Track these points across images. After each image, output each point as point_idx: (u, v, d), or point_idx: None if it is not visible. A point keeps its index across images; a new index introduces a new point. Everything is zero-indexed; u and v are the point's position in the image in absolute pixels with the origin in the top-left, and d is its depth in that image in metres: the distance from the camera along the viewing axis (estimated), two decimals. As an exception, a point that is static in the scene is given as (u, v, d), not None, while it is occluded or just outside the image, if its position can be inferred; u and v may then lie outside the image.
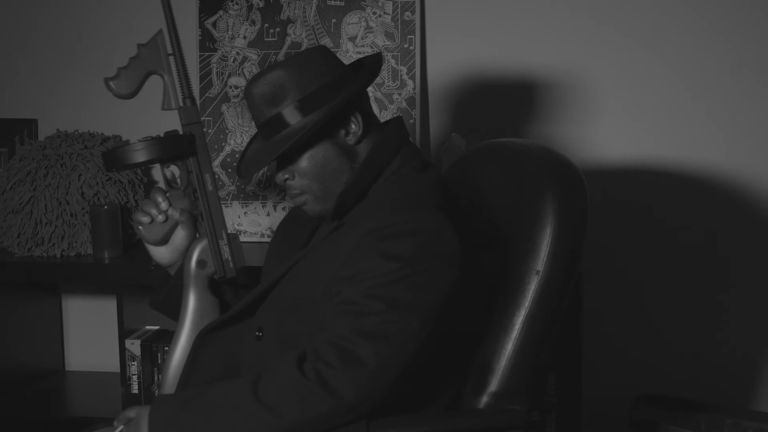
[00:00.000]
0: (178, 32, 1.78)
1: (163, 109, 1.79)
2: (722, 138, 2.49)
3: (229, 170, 2.60)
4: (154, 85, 2.71)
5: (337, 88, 1.65)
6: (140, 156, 1.73)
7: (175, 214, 1.76)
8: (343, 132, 1.67)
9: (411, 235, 1.56)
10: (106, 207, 2.45)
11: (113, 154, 1.74)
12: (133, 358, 2.46)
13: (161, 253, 1.81)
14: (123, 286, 2.43)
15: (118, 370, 2.49)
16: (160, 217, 1.76)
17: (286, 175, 1.68)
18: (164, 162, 1.77)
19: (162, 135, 1.79)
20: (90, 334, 2.80)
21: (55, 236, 2.50)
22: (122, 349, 2.46)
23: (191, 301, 1.78)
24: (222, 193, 2.60)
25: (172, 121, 2.72)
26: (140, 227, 1.77)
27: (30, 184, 2.51)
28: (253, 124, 1.79)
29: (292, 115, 1.65)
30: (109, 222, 2.44)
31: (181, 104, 1.78)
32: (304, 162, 1.66)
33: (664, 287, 2.55)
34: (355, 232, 1.59)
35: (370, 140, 1.68)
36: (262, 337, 1.68)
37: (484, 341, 1.68)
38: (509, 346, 1.66)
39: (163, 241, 1.79)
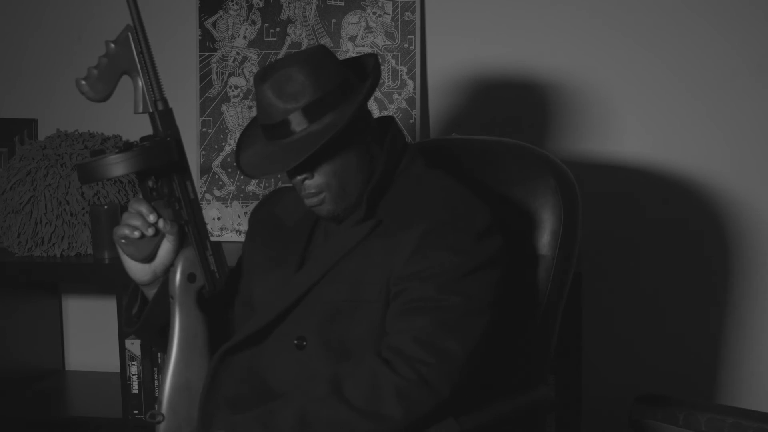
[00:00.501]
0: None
1: (137, 112, 1.67)
2: (723, 139, 2.49)
3: (229, 170, 2.60)
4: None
5: (351, 89, 1.63)
6: (124, 167, 1.58)
7: (166, 226, 1.63)
8: (359, 131, 1.64)
9: (472, 228, 1.60)
10: (106, 207, 2.45)
11: (91, 166, 1.57)
12: (133, 358, 2.46)
13: (143, 271, 1.67)
14: (123, 286, 2.42)
15: (118, 370, 2.49)
16: (150, 231, 1.62)
17: (305, 174, 1.62)
18: (149, 172, 1.64)
19: (139, 141, 1.64)
20: (90, 334, 2.80)
21: (55, 236, 2.50)
22: (122, 349, 2.46)
23: (182, 319, 1.66)
24: (221, 193, 2.60)
25: (177, 122, 2.71)
26: (126, 243, 1.64)
27: (30, 184, 2.51)
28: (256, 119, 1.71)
29: (313, 114, 1.59)
30: (109, 222, 2.44)
31: (158, 107, 1.65)
32: (326, 161, 1.61)
33: (664, 287, 2.55)
34: (412, 230, 1.59)
35: (376, 138, 1.69)
36: (306, 345, 1.62)
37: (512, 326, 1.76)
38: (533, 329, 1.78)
39: (151, 257, 1.65)
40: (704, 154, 2.50)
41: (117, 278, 2.43)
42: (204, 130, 2.62)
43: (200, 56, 2.62)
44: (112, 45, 1.68)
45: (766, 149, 2.48)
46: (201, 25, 2.62)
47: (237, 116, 2.61)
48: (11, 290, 2.63)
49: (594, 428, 2.48)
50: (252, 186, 2.59)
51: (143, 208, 1.63)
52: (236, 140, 2.60)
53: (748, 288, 2.53)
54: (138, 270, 1.67)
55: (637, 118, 2.51)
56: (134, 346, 2.46)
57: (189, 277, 1.65)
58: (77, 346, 2.83)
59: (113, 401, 2.52)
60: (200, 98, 2.61)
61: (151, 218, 1.62)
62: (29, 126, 2.77)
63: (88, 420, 2.52)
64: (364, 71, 1.68)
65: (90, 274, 2.49)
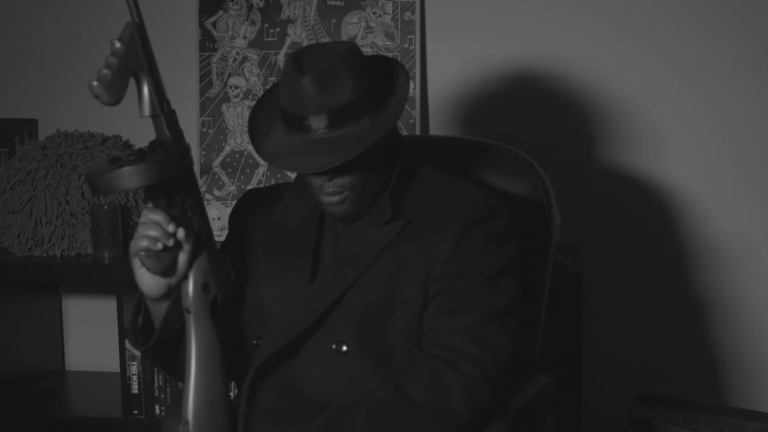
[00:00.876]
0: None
1: (144, 116, 1.55)
2: (716, 144, 2.49)
3: (229, 170, 2.60)
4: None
5: (384, 91, 1.61)
6: (141, 179, 1.47)
7: (185, 236, 1.54)
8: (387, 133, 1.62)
9: (502, 226, 1.65)
10: (106, 207, 2.45)
11: (105, 178, 1.47)
12: (133, 358, 2.46)
13: (158, 285, 1.58)
14: (123, 286, 2.43)
15: (118, 370, 2.49)
16: (171, 242, 1.53)
17: (336, 174, 1.58)
18: (166, 182, 1.53)
19: (149, 146, 1.54)
20: (90, 334, 2.80)
21: (55, 236, 2.50)
22: (122, 349, 2.46)
23: (200, 332, 1.58)
24: (221, 193, 2.60)
25: (181, 121, 2.71)
26: (147, 256, 1.54)
27: (30, 184, 2.51)
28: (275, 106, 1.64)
29: (352, 114, 1.55)
30: (109, 222, 2.44)
31: (164, 109, 1.55)
32: (358, 161, 1.56)
33: (664, 288, 2.55)
34: (447, 231, 1.60)
35: (395, 140, 1.68)
36: (346, 350, 1.61)
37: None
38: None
39: (172, 269, 1.56)
40: (705, 156, 2.50)
41: (117, 278, 2.43)
42: (204, 130, 2.61)
43: (200, 56, 2.62)
44: (119, 44, 1.56)
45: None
46: (201, 25, 2.61)
47: (237, 116, 2.61)
48: (11, 290, 2.63)
49: (594, 428, 2.48)
50: (252, 186, 2.59)
51: (161, 218, 1.53)
52: (236, 140, 2.62)
53: (749, 289, 2.53)
54: (153, 284, 1.58)
55: (634, 121, 2.51)
56: (134, 346, 2.46)
57: (204, 288, 1.58)
58: (77, 346, 2.83)
59: (113, 401, 2.52)
60: (200, 98, 2.61)
61: (171, 228, 1.53)
62: (29, 126, 2.77)
63: (88, 420, 2.52)
64: (389, 73, 1.65)
65: (90, 274, 2.50)
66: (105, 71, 1.52)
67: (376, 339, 1.62)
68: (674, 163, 2.51)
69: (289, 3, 2.59)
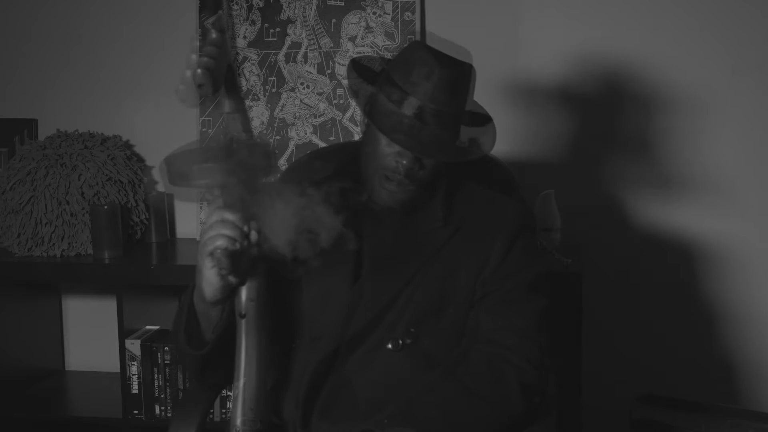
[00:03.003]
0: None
1: (226, 111, 1.49)
2: (725, 138, 2.49)
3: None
4: (152, 82, 2.71)
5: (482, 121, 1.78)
6: (233, 176, 1.41)
7: (257, 238, 1.46)
8: None
9: (535, 233, 1.81)
10: (106, 207, 2.45)
11: (198, 169, 1.41)
12: (133, 358, 2.46)
13: (223, 288, 1.50)
14: (123, 286, 2.43)
15: (118, 370, 2.49)
16: (246, 242, 1.46)
17: (416, 164, 1.65)
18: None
19: (227, 141, 1.46)
20: (90, 334, 2.80)
21: (55, 236, 2.50)
22: (122, 349, 2.46)
23: (254, 336, 1.52)
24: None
25: (175, 122, 2.73)
26: (224, 255, 1.44)
27: (30, 184, 2.51)
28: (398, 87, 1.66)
29: (457, 122, 1.69)
30: (109, 222, 2.44)
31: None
32: (438, 164, 1.67)
33: (664, 288, 2.55)
34: (496, 237, 1.70)
35: None
36: (402, 348, 1.67)
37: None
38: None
39: (245, 270, 1.49)
40: (704, 156, 2.50)
41: (117, 278, 2.43)
42: (204, 130, 2.61)
43: (200, 56, 2.61)
44: (216, 33, 1.48)
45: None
46: (201, 25, 2.61)
47: (237, 116, 2.61)
48: (11, 290, 2.63)
49: (594, 428, 2.48)
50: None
51: (236, 217, 1.45)
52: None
53: (748, 289, 2.53)
54: (219, 287, 1.49)
55: (635, 120, 2.52)
56: (134, 346, 2.46)
57: (259, 293, 1.52)
58: (77, 346, 2.83)
59: (113, 401, 2.52)
60: (200, 98, 2.61)
61: (247, 229, 1.45)
62: (29, 126, 2.77)
63: (88, 420, 2.52)
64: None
65: (90, 274, 2.49)
66: (207, 60, 1.44)
67: (427, 337, 1.68)
68: (674, 163, 2.51)
69: (289, 3, 2.59)
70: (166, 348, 2.45)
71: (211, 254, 1.45)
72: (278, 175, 1.70)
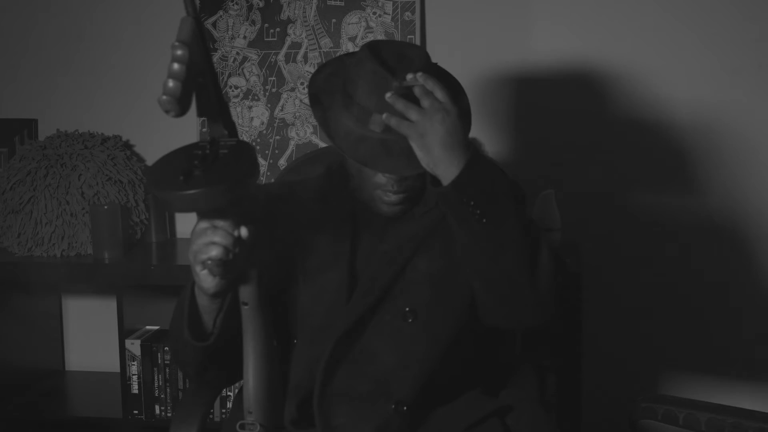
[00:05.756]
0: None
1: (205, 116, 1.44)
2: (722, 138, 2.49)
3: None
4: (153, 82, 2.72)
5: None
6: (229, 195, 1.34)
7: (248, 235, 1.43)
8: None
9: None
10: (106, 207, 2.45)
11: (190, 197, 1.33)
12: (133, 358, 2.46)
13: (222, 283, 1.49)
14: (123, 286, 2.43)
15: (118, 370, 2.49)
16: (238, 248, 1.42)
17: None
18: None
19: (207, 144, 1.41)
20: (90, 334, 2.80)
21: (55, 236, 2.50)
22: (122, 349, 2.46)
23: (260, 323, 1.51)
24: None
25: (175, 122, 2.72)
26: (215, 265, 1.42)
27: (30, 184, 2.51)
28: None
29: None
30: (109, 222, 2.44)
31: (224, 106, 1.46)
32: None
33: (664, 288, 2.55)
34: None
35: None
36: (418, 317, 1.67)
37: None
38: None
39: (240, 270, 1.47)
40: (704, 156, 2.50)
41: (117, 278, 2.43)
42: (204, 130, 2.61)
43: (200, 56, 2.61)
44: (182, 50, 1.38)
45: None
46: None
47: (237, 116, 2.61)
48: (11, 290, 2.63)
49: (594, 428, 2.48)
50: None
51: (227, 223, 1.42)
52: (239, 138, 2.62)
53: (749, 288, 2.53)
54: (216, 283, 1.48)
55: (634, 119, 2.52)
56: (134, 346, 2.46)
57: (261, 280, 1.50)
58: (77, 346, 2.83)
59: (113, 401, 2.52)
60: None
61: (239, 233, 1.42)
62: (29, 126, 2.77)
63: (88, 420, 2.52)
64: (452, 88, 1.70)
65: (90, 274, 2.49)
66: (172, 83, 1.34)
67: (439, 306, 1.69)
68: (674, 163, 2.51)
69: (289, 3, 2.59)
70: (166, 348, 2.45)
71: (203, 263, 1.43)
72: (272, 180, 1.66)
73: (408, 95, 1.57)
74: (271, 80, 2.60)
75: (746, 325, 2.54)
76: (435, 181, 1.59)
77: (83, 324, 2.82)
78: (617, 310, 2.56)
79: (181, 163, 1.38)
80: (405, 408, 1.66)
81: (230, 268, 1.44)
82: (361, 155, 1.62)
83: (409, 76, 1.57)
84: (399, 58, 1.61)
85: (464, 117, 1.61)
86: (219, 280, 1.47)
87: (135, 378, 2.47)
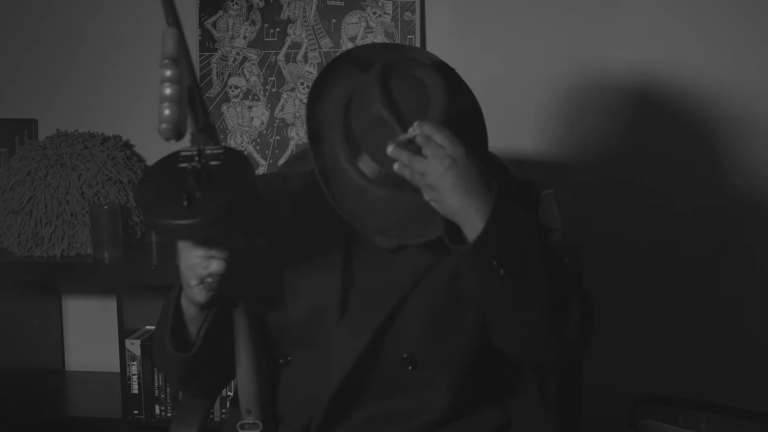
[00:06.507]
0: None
1: (198, 130, 1.36)
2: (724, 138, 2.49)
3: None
4: (153, 82, 2.70)
5: None
6: (234, 217, 1.30)
7: (227, 256, 1.39)
8: None
9: None
10: (106, 207, 2.45)
11: (189, 226, 1.29)
12: (133, 358, 2.46)
13: (216, 294, 1.44)
14: (123, 286, 2.43)
15: (118, 370, 2.49)
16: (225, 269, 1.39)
17: None
18: None
19: (195, 155, 1.33)
20: (90, 334, 2.80)
21: (55, 236, 2.50)
22: (122, 349, 2.46)
23: (249, 324, 1.50)
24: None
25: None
26: (216, 282, 1.39)
27: (30, 184, 2.51)
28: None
29: None
30: (109, 222, 2.44)
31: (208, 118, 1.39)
32: None
33: (664, 287, 2.55)
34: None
35: None
36: (417, 365, 1.53)
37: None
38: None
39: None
40: (707, 158, 2.50)
41: (117, 278, 2.43)
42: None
43: (200, 56, 2.62)
44: (170, 69, 1.29)
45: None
46: (201, 25, 2.61)
47: (237, 116, 2.61)
48: (11, 290, 2.63)
49: (594, 428, 2.48)
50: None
51: (215, 252, 1.38)
52: (236, 140, 2.61)
53: (748, 288, 2.53)
54: (209, 296, 1.44)
55: (633, 119, 2.52)
56: (134, 346, 2.46)
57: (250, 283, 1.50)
58: (77, 346, 2.83)
59: (113, 401, 2.52)
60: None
61: (225, 255, 1.38)
62: (29, 126, 2.77)
63: (88, 420, 2.52)
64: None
65: (90, 274, 2.49)
66: (169, 109, 1.26)
67: (449, 345, 1.55)
68: (674, 162, 2.51)
69: (289, 3, 2.59)
70: (166, 348, 2.45)
71: (201, 279, 1.39)
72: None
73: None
74: (271, 80, 2.60)
75: (746, 325, 2.54)
76: (450, 230, 1.42)
77: (83, 324, 2.81)
78: (617, 310, 2.56)
79: (173, 184, 1.31)
80: None
81: (227, 280, 1.40)
82: (360, 215, 1.44)
83: (409, 132, 1.39)
84: (411, 95, 1.43)
85: (477, 151, 1.42)
86: (213, 293, 1.42)
87: (135, 378, 2.47)
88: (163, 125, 1.25)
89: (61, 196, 2.50)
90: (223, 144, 1.38)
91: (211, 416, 2.45)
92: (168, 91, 1.26)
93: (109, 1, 2.70)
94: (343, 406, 1.56)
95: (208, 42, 2.61)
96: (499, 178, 1.44)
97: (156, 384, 2.46)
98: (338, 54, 1.59)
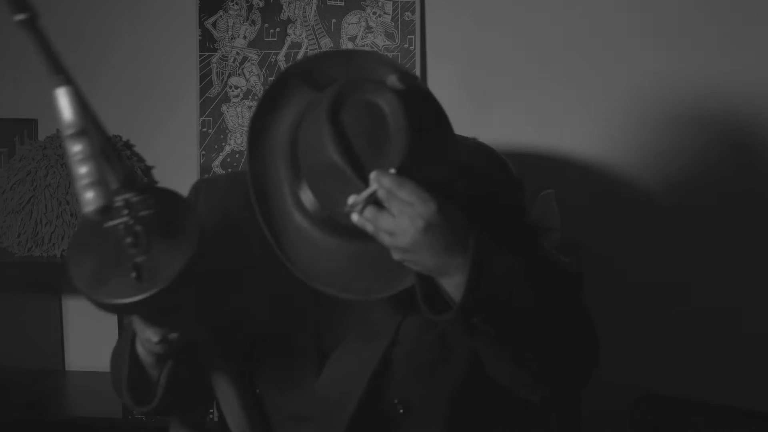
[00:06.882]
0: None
1: (118, 196, 1.19)
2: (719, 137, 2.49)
3: (229, 170, 2.60)
4: (153, 82, 2.71)
5: None
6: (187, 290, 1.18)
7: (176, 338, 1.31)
8: None
9: None
10: (106, 207, 2.45)
11: (140, 302, 1.19)
12: (133, 358, 2.46)
13: (174, 346, 1.34)
14: (123, 286, 2.42)
15: (118, 370, 2.49)
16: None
17: None
18: None
19: (140, 206, 1.18)
20: (90, 334, 2.80)
21: (55, 236, 2.50)
22: (122, 349, 2.46)
23: (216, 348, 1.41)
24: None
25: (175, 122, 2.72)
26: (168, 348, 1.31)
27: (30, 184, 2.51)
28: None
29: None
30: (109, 222, 2.44)
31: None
32: None
33: (664, 287, 2.55)
34: None
35: None
36: (412, 411, 1.42)
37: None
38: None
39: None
40: (704, 156, 2.50)
41: (117, 278, 2.43)
42: (204, 130, 2.61)
43: (200, 56, 2.62)
44: (80, 143, 1.09)
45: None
46: (201, 25, 2.61)
47: (237, 116, 2.61)
48: (11, 290, 2.63)
49: (594, 428, 2.48)
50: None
51: (158, 337, 1.29)
52: (236, 140, 2.61)
53: (749, 288, 2.52)
54: (166, 349, 1.34)
55: (632, 119, 2.51)
56: (134, 346, 2.46)
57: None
58: (77, 346, 2.83)
59: (113, 401, 2.50)
60: (200, 98, 2.61)
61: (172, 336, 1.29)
62: (29, 126, 2.77)
63: (88, 420, 2.52)
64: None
65: (90, 274, 2.49)
66: (92, 191, 1.05)
67: (442, 387, 1.45)
68: (675, 162, 2.51)
69: (289, 3, 2.59)
70: (166, 348, 2.45)
71: (164, 339, 1.29)
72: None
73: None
74: (271, 80, 2.60)
75: (746, 325, 2.54)
76: (425, 289, 1.25)
77: (83, 324, 2.81)
78: (617, 310, 2.56)
79: (109, 250, 1.16)
80: None
81: (190, 330, 1.29)
82: (313, 271, 1.26)
83: (369, 188, 1.20)
84: (367, 131, 1.23)
85: (444, 192, 1.22)
86: (174, 347, 1.31)
87: (135, 378, 2.46)
88: (91, 208, 1.05)
89: (61, 196, 2.50)
90: (148, 184, 1.21)
91: (210, 416, 2.44)
92: (84, 168, 1.06)
93: (110, 1, 2.70)
94: None
95: (208, 42, 2.61)
96: (484, 199, 1.32)
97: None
98: (285, 68, 1.40)
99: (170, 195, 1.19)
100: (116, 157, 1.18)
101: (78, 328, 2.82)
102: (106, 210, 1.06)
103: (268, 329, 1.43)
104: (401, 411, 1.42)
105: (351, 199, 1.21)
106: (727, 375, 2.54)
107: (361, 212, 1.20)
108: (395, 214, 1.19)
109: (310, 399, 1.42)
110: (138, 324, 1.29)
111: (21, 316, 2.67)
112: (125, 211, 1.15)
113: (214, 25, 2.62)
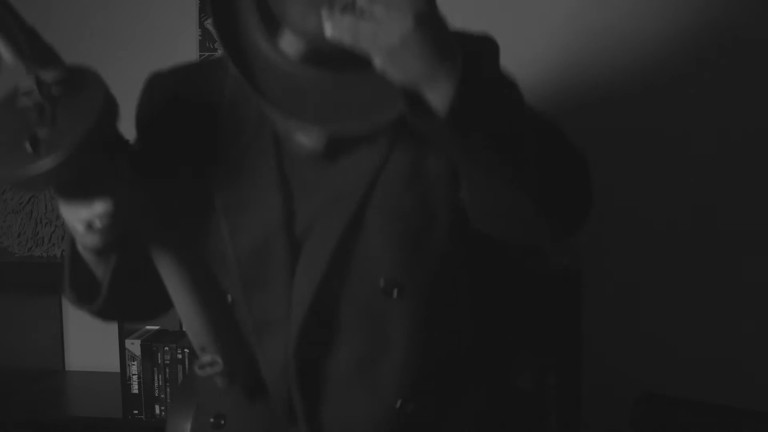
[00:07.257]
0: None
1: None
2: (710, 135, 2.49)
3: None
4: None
5: None
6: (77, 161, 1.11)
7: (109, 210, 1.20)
8: None
9: None
10: (106, 207, 2.45)
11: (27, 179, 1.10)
12: (133, 358, 2.46)
13: (111, 238, 1.26)
14: (123, 286, 2.43)
15: (118, 370, 2.49)
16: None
17: None
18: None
19: (48, 91, 1.17)
20: (90, 334, 2.80)
21: (55, 236, 2.50)
22: (122, 349, 2.46)
23: (173, 258, 1.30)
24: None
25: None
26: (103, 234, 1.21)
27: (30, 184, 2.52)
28: None
29: None
30: (109, 222, 2.44)
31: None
32: None
33: (664, 287, 2.55)
34: None
35: None
36: (404, 291, 1.27)
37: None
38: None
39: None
40: (703, 157, 2.50)
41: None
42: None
43: (200, 56, 2.62)
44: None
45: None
46: (201, 25, 2.61)
47: (237, 116, 2.61)
48: (11, 290, 2.63)
49: (594, 428, 2.48)
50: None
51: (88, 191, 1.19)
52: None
53: (749, 288, 2.53)
54: (102, 241, 1.26)
55: (631, 118, 2.52)
56: (134, 346, 2.46)
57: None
58: (77, 346, 2.83)
59: (113, 401, 2.52)
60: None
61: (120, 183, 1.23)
62: (29, 126, 2.77)
63: (88, 420, 2.52)
64: None
65: (90, 274, 2.49)
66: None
67: (428, 261, 1.30)
68: (674, 162, 2.51)
69: (289, 3, 2.59)
70: (167, 348, 2.45)
71: (90, 226, 1.20)
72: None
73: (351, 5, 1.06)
74: None
75: (747, 324, 2.54)
76: (412, 102, 1.11)
77: (83, 324, 2.81)
78: (617, 309, 2.56)
79: (12, 125, 1.11)
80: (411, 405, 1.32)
81: (121, 217, 1.18)
82: (284, 99, 1.15)
83: None
84: None
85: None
86: (109, 236, 1.20)
87: (135, 378, 2.47)
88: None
89: (61, 196, 2.50)
90: (65, 64, 1.14)
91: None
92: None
93: (109, 1, 2.70)
94: (311, 354, 1.30)
95: (208, 42, 2.61)
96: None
97: (156, 384, 2.47)
98: None
99: (87, 74, 1.16)
100: (16, 24, 1.15)
101: (78, 328, 2.82)
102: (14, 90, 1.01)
103: (234, 209, 1.31)
104: (395, 295, 1.27)
105: (324, 13, 1.06)
106: (727, 375, 2.54)
107: (336, 22, 1.05)
108: (380, 17, 1.05)
109: (284, 300, 1.29)
110: (63, 213, 1.20)
111: (21, 316, 2.68)
112: (36, 88, 1.12)
113: (214, 25, 2.62)
